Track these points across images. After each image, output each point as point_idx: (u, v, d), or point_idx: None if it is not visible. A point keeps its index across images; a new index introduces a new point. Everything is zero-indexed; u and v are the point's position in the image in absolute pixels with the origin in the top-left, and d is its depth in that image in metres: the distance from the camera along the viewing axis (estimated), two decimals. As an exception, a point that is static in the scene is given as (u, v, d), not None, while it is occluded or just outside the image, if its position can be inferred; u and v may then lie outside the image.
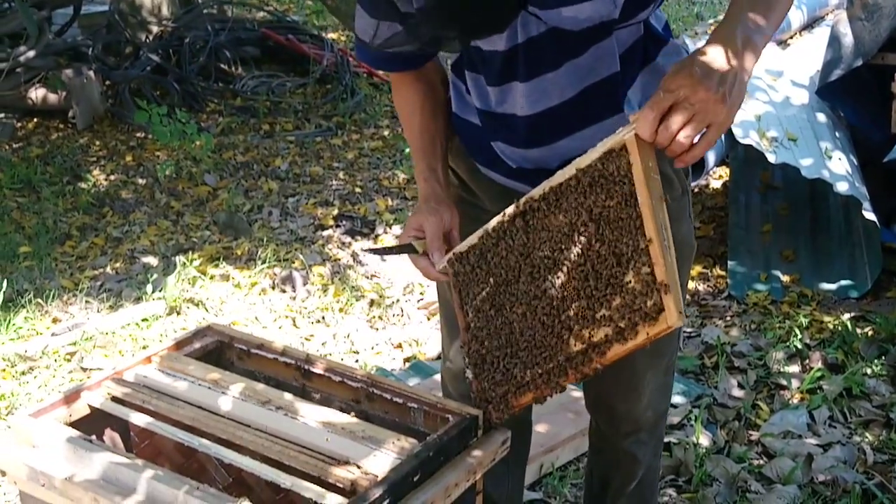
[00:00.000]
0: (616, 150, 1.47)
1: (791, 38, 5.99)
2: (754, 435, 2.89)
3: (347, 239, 4.49)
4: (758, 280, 3.84)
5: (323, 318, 3.74)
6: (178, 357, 1.92)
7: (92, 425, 1.80)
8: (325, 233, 4.54)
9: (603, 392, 2.00)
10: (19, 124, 6.09)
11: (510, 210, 1.63)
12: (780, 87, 4.32)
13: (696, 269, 3.97)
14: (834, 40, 4.07)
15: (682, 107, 1.40)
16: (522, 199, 1.61)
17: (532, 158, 1.73)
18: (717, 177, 4.76)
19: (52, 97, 5.99)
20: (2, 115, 6.13)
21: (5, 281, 3.83)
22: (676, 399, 3.05)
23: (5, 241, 4.39)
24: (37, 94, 5.97)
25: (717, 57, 1.41)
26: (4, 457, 1.69)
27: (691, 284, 3.87)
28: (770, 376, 3.19)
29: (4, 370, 3.28)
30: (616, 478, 2.10)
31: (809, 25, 6.06)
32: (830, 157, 3.86)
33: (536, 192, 1.59)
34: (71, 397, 1.79)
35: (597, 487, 2.17)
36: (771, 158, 3.75)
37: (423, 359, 3.42)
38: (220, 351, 2.02)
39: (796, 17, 5.95)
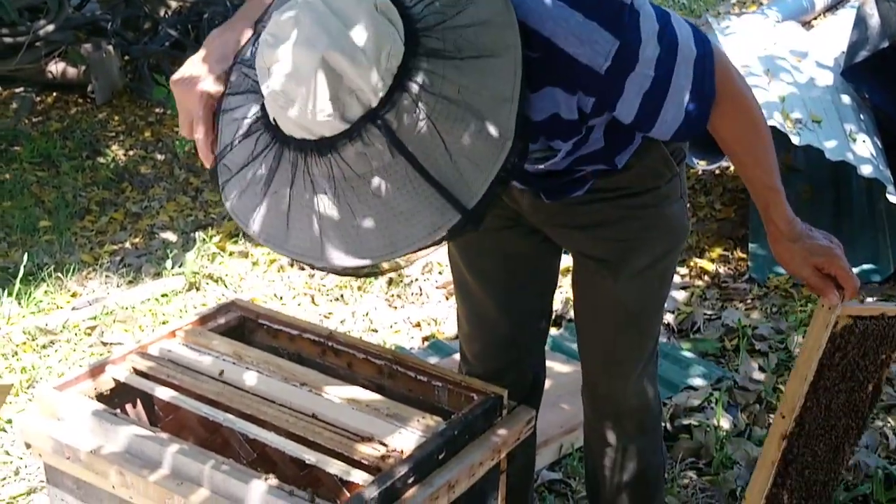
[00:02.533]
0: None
1: (815, 18, 5.93)
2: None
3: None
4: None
5: (342, 296, 3.74)
6: (202, 332, 1.92)
7: (116, 399, 1.81)
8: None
9: (590, 372, 2.02)
10: (39, 98, 6.10)
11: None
12: (804, 69, 4.27)
13: (717, 252, 3.95)
14: (860, 21, 4.02)
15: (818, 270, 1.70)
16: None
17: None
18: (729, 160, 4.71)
19: (72, 71, 5.99)
20: (21, 88, 6.14)
21: (26, 255, 3.84)
22: (696, 381, 3.03)
23: (25, 216, 4.40)
24: (56, 68, 5.97)
25: (785, 254, 1.71)
26: (29, 430, 1.70)
27: (711, 267, 3.85)
28: (791, 360, 3.17)
29: (25, 343, 3.29)
30: (603, 469, 2.08)
31: (834, 6, 6.00)
32: (855, 140, 3.81)
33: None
34: (96, 371, 1.80)
35: (591, 480, 2.17)
36: (794, 140, 3.71)
37: (441, 338, 3.41)
38: (244, 326, 2.02)
39: (821, -3, 5.90)
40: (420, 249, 1.35)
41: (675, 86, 1.47)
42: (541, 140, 1.56)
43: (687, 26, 1.52)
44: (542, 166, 1.62)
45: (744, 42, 4.41)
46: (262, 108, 1.35)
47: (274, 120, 1.33)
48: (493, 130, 1.29)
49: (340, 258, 1.34)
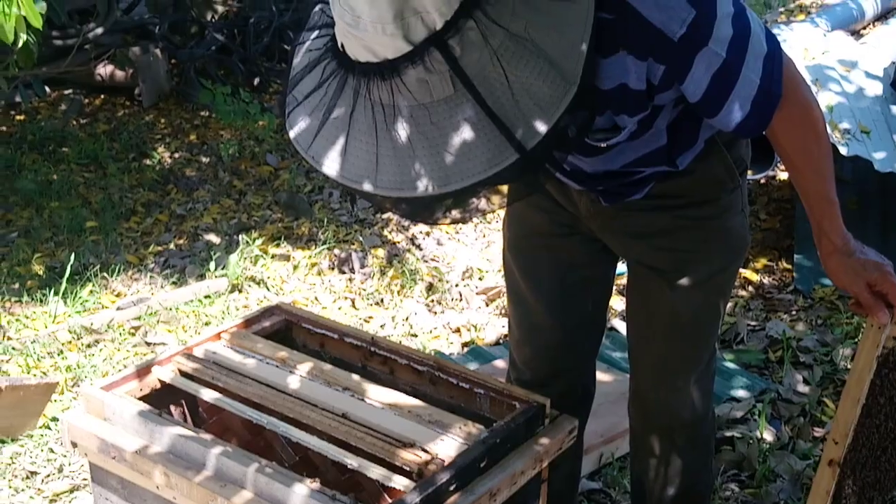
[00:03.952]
0: None
1: (865, 28, 5.85)
2: (819, 432, 2.83)
3: (406, 222, 4.49)
4: (825, 274, 3.75)
5: (381, 300, 3.75)
6: (246, 335, 1.94)
7: (161, 400, 1.83)
8: (384, 215, 4.55)
9: (640, 384, 1.99)
10: (87, 100, 6.18)
11: None
12: (853, 78, 4.22)
13: (761, 262, 3.90)
14: (912, 30, 3.95)
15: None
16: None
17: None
18: (785, 169, 4.67)
19: (120, 74, 6.07)
20: (70, 91, 6.23)
21: (72, 255, 3.90)
22: (739, 393, 3.00)
23: (72, 216, 4.47)
24: (105, 70, 6.05)
25: (838, 269, 1.73)
26: (76, 429, 1.72)
27: (756, 277, 3.80)
28: (836, 373, 3.12)
29: (70, 342, 3.33)
30: (648, 481, 2.06)
31: (884, 15, 5.91)
32: (904, 151, 3.76)
33: None
34: (142, 371, 1.82)
35: (635, 493, 2.15)
36: (842, 151, 3.66)
37: (481, 344, 3.41)
38: (287, 330, 2.04)
39: (870, 7, 5.81)
40: (474, 188, 1.33)
41: (744, 77, 1.46)
42: (607, 114, 1.54)
43: (760, 22, 1.50)
44: (603, 144, 1.59)
45: (792, 51, 4.36)
46: (333, 37, 1.36)
47: (341, 45, 1.33)
48: (558, 73, 1.28)
49: (391, 187, 1.33)
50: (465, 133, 1.29)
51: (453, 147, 1.30)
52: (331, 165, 1.37)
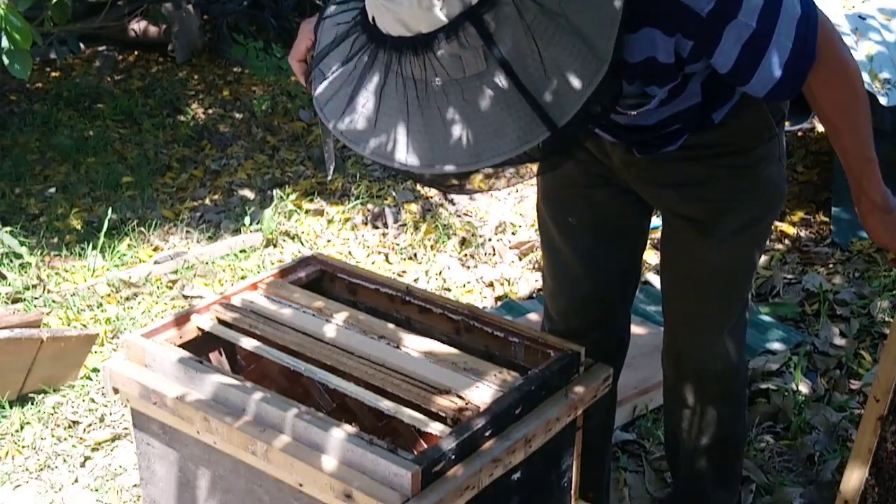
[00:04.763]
0: None
1: (907, -25, 5.70)
2: (856, 384, 2.82)
3: (440, 177, 4.47)
4: (862, 227, 3.70)
5: (415, 255, 3.76)
6: (283, 284, 1.95)
7: (200, 347, 1.85)
8: (419, 170, 4.54)
9: (674, 334, 1.99)
10: (121, 57, 6.21)
11: None
12: (894, 27, 4.12)
13: (798, 215, 3.86)
14: (956, -23, 3.85)
15: None
16: None
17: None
18: (822, 127, 4.59)
19: (153, 30, 6.08)
20: (104, 47, 6.25)
21: (109, 209, 3.94)
22: (775, 346, 2.99)
23: (109, 171, 4.51)
24: (138, 26, 6.06)
25: (877, 226, 1.73)
26: (118, 375, 1.74)
27: (792, 230, 3.76)
28: (874, 325, 3.10)
29: (109, 295, 3.38)
30: (682, 432, 2.07)
31: (927, -37, 5.75)
32: (946, 102, 3.68)
33: None
34: (181, 320, 1.84)
35: (669, 443, 2.15)
36: (882, 101, 3.59)
37: (514, 298, 3.41)
38: (323, 280, 2.05)
39: (913, -47, 5.66)
40: (503, 165, 1.33)
41: (775, 42, 1.43)
42: (636, 83, 1.54)
43: None
44: (634, 112, 1.60)
45: (832, 1, 4.27)
46: (362, 10, 1.36)
47: (373, 18, 1.33)
48: (591, 51, 1.27)
49: (422, 163, 1.33)
50: (497, 109, 1.29)
51: (484, 123, 1.30)
52: (360, 141, 1.38)
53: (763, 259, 3.55)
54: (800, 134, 4.43)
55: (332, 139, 1.63)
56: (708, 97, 1.64)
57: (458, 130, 1.30)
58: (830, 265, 3.51)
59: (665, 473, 2.44)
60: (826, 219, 3.81)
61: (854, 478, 1.80)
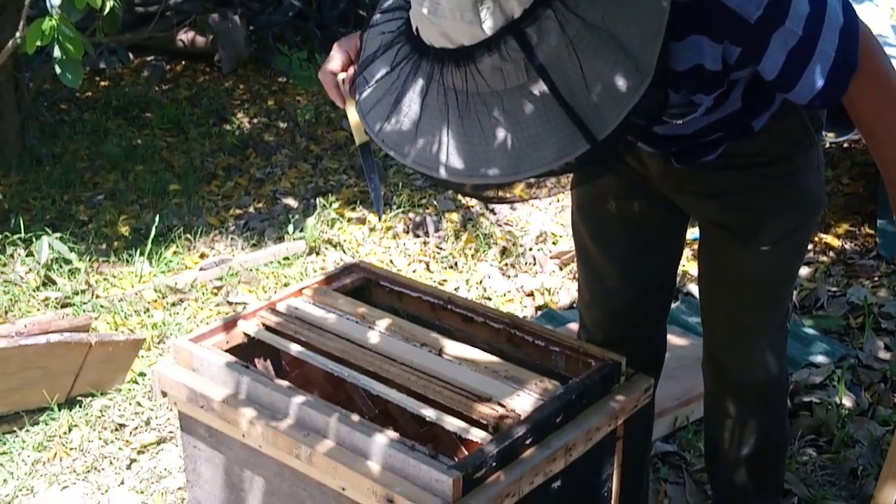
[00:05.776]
0: None
1: (956, -14, 5.62)
2: (901, 399, 2.79)
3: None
4: (909, 240, 3.67)
5: (455, 263, 3.78)
6: (327, 291, 1.98)
7: (246, 352, 1.88)
8: (460, 179, 4.56)
9: (714, 344, 1.98)
10: (168, 67, 6.32)
11: None
12: (943, 38, 4.08)
13: (843, 227, 3.83)
14: None
15: None
16: None
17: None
18: (862, 137, 4.54)
19: (200, 41, 6.18)
20: (152, 57, 6.37)
21: (156, 216, 4.01)
22: (819, 359, 2.96)
23: (156, 179, 4.59)
24: (186, 37, 6.17)
25: None
26: (166, 379, 1.78)
27: (837, 242, 3.73)
28: (920, 340, 3.07)
29: (156, 301, 3.44)
30: (723, 442, 2.06)
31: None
32: None
33: None
34: (228, 325, 1.87)
35: (709, 453, 2.14)
36: (930, 113, 3.55)
37: (554, 307, 3.42)
38: (366, 287, 2.08)
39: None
40: (543, 176, 1.34)
41: (819, 51, 1.44)
42: (683, 92, 1.54)
43: None
44: (679, 121, 1.60)
45: (879, 11, 4.23)
46: (407, 20, 1.38)
47: (416, 29, 1.35)
48: (633, 65, 1.28)
49: (461, 173, 1.35)
50: (537, 122, 1.30)
51: (524, 135, 1.31)
52: (401, 149, 1.40)
53: (807, 271, 3.52)
54: (845, 146, 4.39)
55: (377, 175, 1.66)
56: (748, 104, 1.64)
57: (497, 142, 1.32)
58: (875, 278, 3.48)
59: (705, 486, 2.43)
60: (871, 231, 3.77)
61: (887, 491, 1.78)
